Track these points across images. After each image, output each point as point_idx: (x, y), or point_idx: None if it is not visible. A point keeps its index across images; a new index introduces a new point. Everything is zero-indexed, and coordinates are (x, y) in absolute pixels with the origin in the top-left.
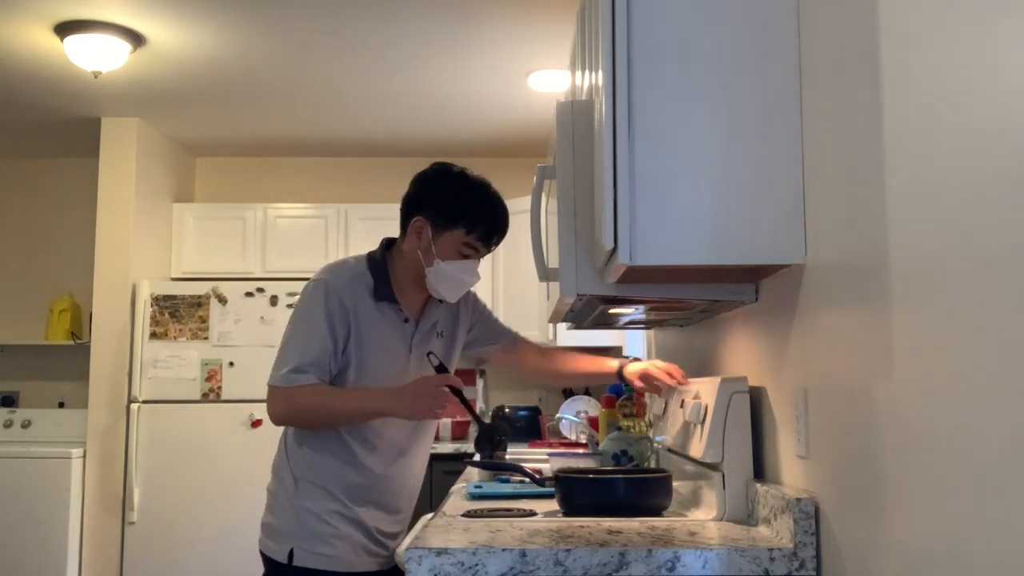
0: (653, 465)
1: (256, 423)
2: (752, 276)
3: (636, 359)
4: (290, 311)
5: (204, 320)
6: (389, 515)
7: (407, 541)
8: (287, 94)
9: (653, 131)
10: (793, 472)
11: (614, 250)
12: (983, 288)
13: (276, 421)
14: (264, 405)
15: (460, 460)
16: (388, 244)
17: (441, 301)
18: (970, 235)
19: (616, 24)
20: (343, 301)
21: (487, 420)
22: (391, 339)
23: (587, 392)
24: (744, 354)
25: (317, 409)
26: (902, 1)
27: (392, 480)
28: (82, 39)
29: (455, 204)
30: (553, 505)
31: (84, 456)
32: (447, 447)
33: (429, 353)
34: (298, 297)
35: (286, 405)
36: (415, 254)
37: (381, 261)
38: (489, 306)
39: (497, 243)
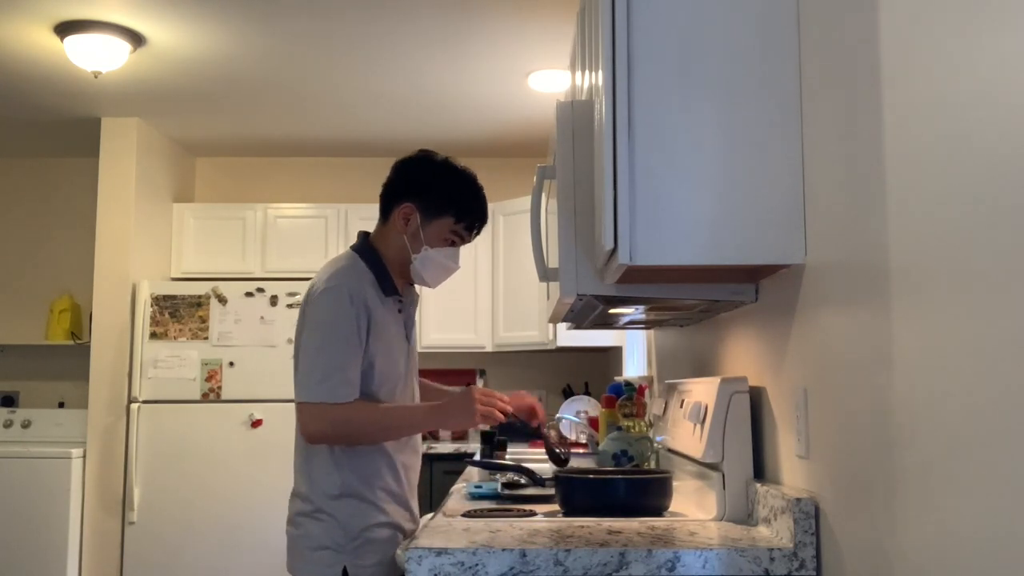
0: (653, 465)
1: (256, 423)
2: (752, 276)
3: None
4: (290, 311)
5: (204, 320)
6: (411, 515)
7: (407, 541)
8: (287, 94)
9: (653, 131)
10: (793, 472)
11: (614, 250)
12: (983, 288)
13: (313, 439)
14: (264, 405)
15: (460, 460)
16: (366, 235)
17: (397, 292)
18: (970, 235)
19: (616, 24)
20: (366, 304)
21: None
22: (394, 332)
23: (587, 392)
24: (744, 354)
25: (363, 428)
26: (903, 1)
27: (413, 474)
28: (82, 39)
29: (445, 192)
30: (553, 505)
31: (84, 456)
32: (447, 447)
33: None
34: (313, 305)
35: (328, 423)
36: (400, 240)
37: (376, 254)
38: (489, 306)
39: (479, 232)
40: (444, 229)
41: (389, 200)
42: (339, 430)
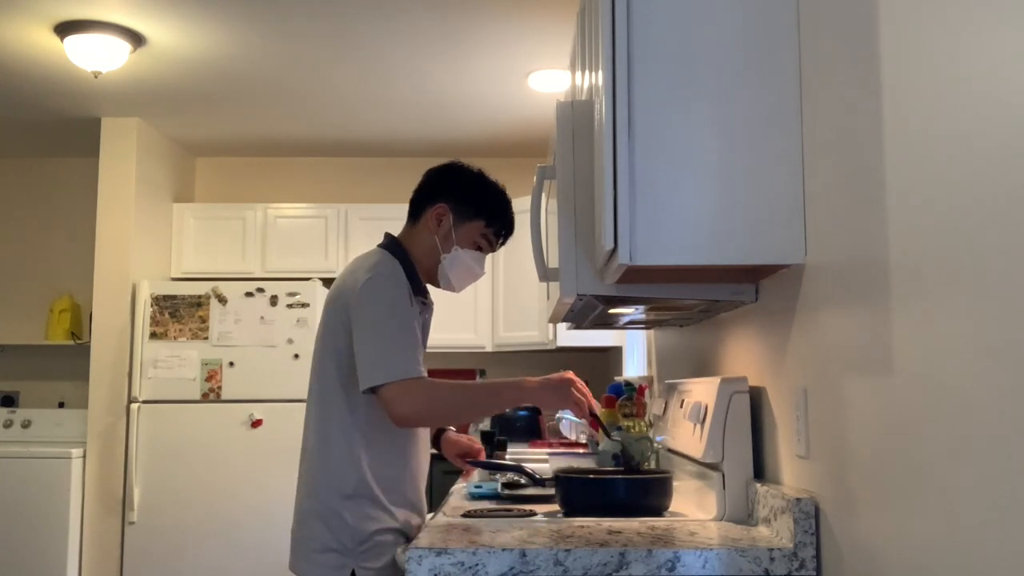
0: (653, 465)
1: (256, 423)
2: (752, 276)
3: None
4: (290, 311)
5: (204, 320)
6: (419, 517)
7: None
8: (287, 94)
9: (653, 131)
10: (793, 472)
11: (614, 250)
12: (983, 288)
13: (408, 419)
14: (264, 405)
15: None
16: (393, 237)
17: (423, 294)
18: (970, 235)
19: (616, 24)
20: (409, 296)
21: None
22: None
23: None
24: (744, 354)
25: (451, 399)
26: (902, 1)
27: (422, 478)
28: (82, 39)
29: (479, 195)
30: (553, 505)
31: (84, 456)
32: None
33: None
34: (370, 292)
35: (425, 397)
36: (432, 240)
37: (406, 253)
38: (489, 306)
39: (504, 242)
40: (475, 232)
41: (421, 201)
42: (433, 402)
